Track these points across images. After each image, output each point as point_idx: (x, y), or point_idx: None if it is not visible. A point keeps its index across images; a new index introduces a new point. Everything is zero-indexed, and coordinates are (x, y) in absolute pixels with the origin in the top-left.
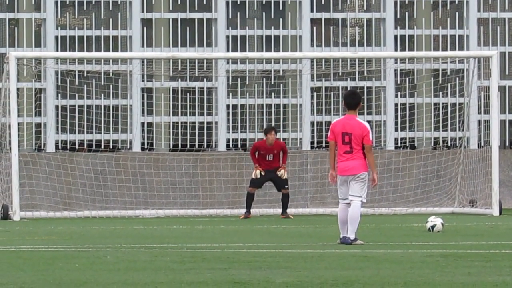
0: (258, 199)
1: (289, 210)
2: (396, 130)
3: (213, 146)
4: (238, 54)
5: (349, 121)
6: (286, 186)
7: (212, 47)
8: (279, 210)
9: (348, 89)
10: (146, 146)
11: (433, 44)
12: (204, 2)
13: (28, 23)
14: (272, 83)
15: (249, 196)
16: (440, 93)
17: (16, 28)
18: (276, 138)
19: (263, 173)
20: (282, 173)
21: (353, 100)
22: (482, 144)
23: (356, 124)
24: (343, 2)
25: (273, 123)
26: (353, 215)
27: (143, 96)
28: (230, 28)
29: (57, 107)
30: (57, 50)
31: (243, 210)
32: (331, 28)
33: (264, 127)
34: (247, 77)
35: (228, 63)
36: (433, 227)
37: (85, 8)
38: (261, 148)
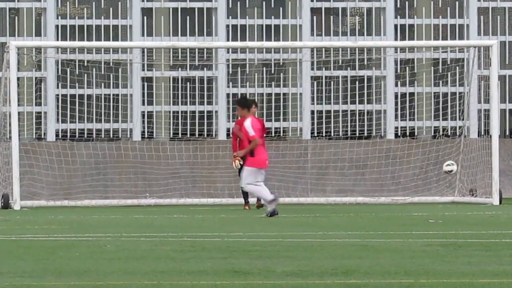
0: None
1: (289, 200)
2: (396, 119)
3: (213, 135)
4: (238, 44)
5: None
6: None
7: (212, 36)
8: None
9: (348, 78)
10: (146, 135)
11: (433, 33)
12: None
13: (29, 12)
14: (272, 72)
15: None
16: (440, 82)
17: (16, 17)
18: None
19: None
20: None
21: None
22: (482, 133)
23: None
24: None
25: (273, 112)
26: None
27: (143, 85)
28: (230, 17)
29: (57, 96)
30: (58, 40)
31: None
32: (331, 17)
33: (265, 115)
34: (247, 66)
35: (228, 52)
36: (450, 171)
37: None
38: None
